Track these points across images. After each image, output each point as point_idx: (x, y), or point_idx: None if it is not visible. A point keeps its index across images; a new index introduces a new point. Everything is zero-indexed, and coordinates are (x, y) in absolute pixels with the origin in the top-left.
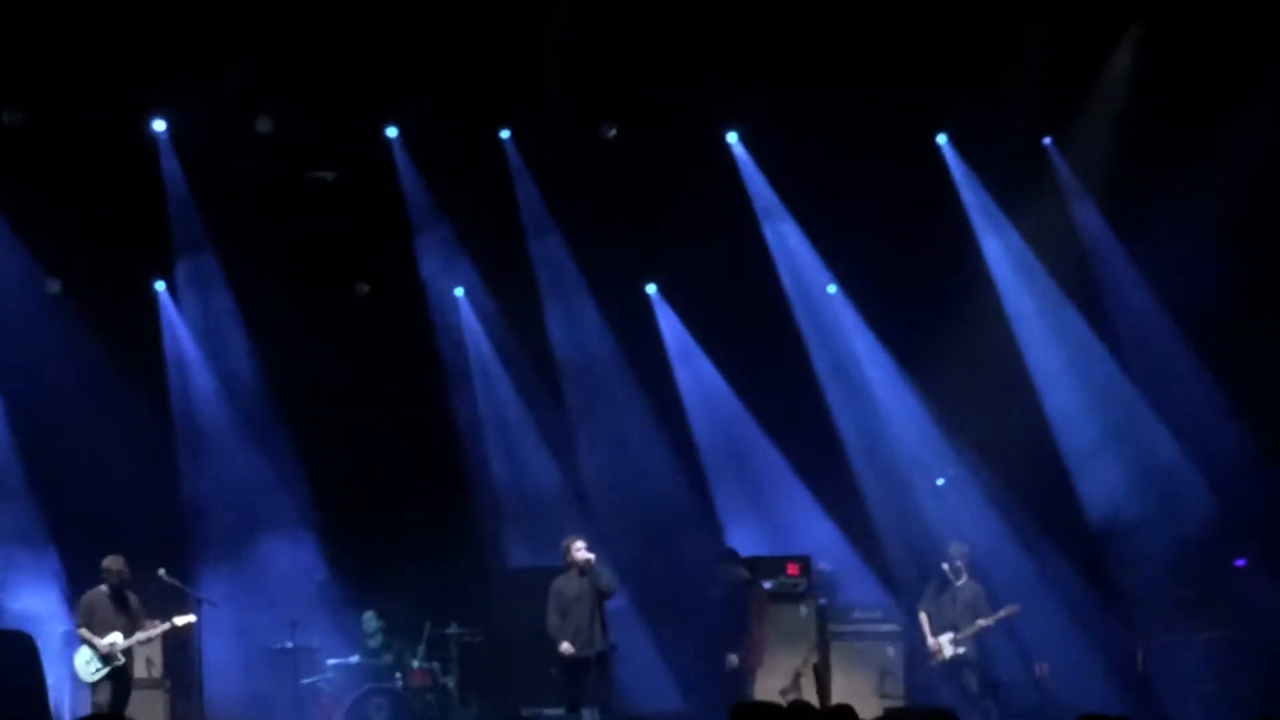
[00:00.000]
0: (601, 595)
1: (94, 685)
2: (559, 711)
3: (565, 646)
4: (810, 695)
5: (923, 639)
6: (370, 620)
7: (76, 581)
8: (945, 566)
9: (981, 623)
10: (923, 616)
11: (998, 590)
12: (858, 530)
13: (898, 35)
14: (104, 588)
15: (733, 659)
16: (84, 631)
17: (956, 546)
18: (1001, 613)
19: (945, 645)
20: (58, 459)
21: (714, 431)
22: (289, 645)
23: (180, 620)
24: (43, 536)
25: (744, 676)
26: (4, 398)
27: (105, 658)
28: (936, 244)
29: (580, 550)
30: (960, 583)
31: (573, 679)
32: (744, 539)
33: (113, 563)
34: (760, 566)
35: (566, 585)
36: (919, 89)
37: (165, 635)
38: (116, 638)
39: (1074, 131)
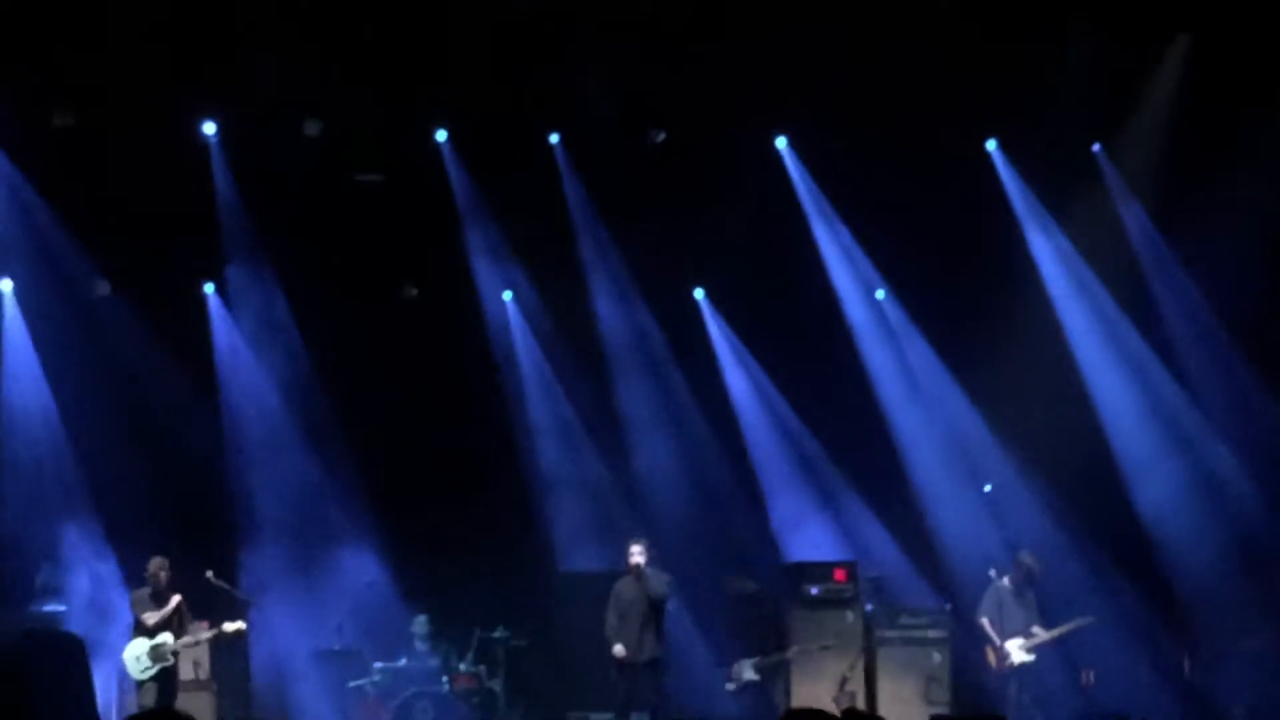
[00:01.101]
0: (652, 601)
1: (140, 685)
2: (606, 715)
3: (618, 649)
4: (857, 702)
5: (990, 645)
6: (422, 624)
7: (130, 582)
8: (997, 575)
9: (1059, 630)
10: (985, 622)
11: (1046, 596)
12: (908, 535)
13: (948, 40)
14: (147, 589)
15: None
16: (148, 615)
17: (1028, 556)
18: (1077, 622)
19: (1016, 652)
20: (108, 461)
21: (764, 435)
22: (336, 647)
23: (230, 627)
24: (97, 538)
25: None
26: (55, 398)
27: (155, 655)
28: (986, 249)
29: (634, 555)
30: (1026, 592)
31: (624, 682)
32: (797, 543)
33: (155, 565)
34: (807, 572)
35: (624, 588)
36: (969, 95)
37: (215, 642)
38: (167, 638)
39: (1123, 137)
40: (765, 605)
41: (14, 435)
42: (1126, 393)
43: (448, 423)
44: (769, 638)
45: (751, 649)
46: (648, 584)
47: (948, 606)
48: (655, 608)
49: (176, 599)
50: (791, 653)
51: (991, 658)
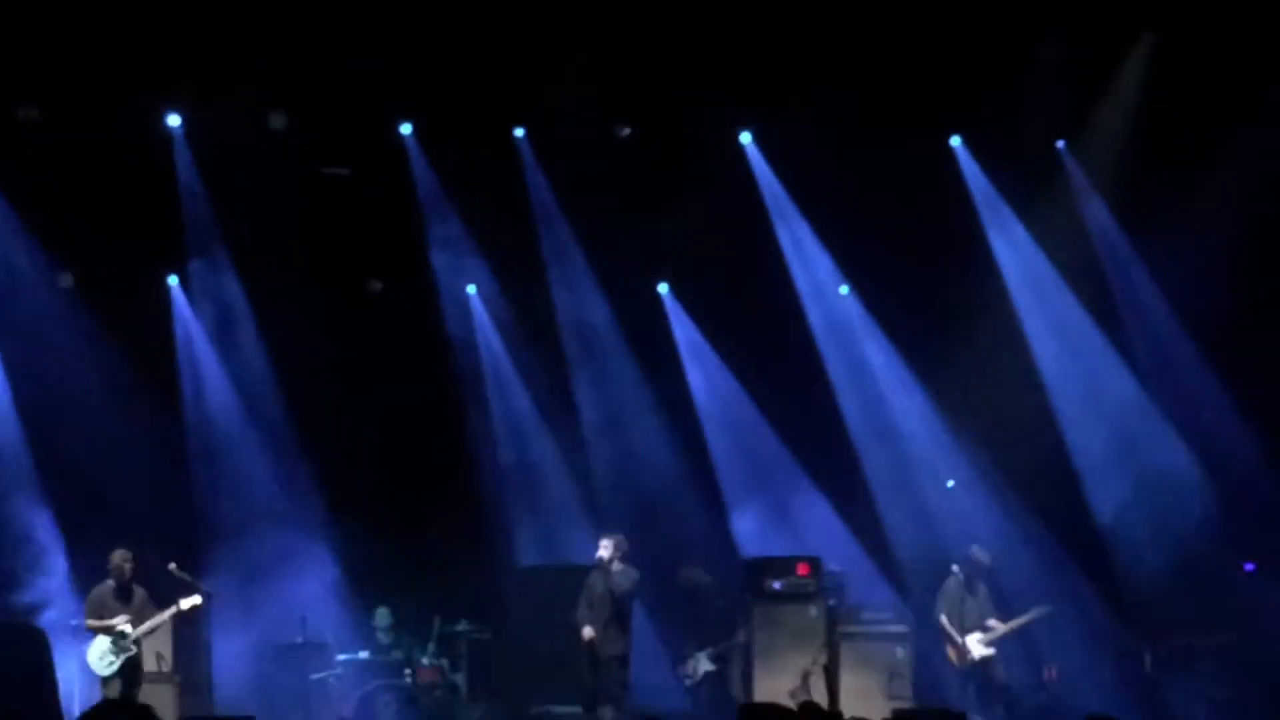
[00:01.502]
0: (615, 596)
1: (106, 679)
2: (567, 709)
3: (587, 631)
4: (819, 696)
5: (948, 641)
6: (384, 615)
7: (85, 577)
8: (958, 570)
9: (1017, 622)
10: (943, 619)
11: (1006, 593)
12: (867, 531)
13: (912, 36)
14: (110, 582)
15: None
16: (92, 622)
17: (980, 551)
18: (1035, 613)
19: (975, 646)
20: (68, 453)
21: (724, 430)
22: (299, 640)
23: (186, 603)
24: (52, 531)
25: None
26: (14, 391)
27: (117, 649)
28: (949, 246)
29: (601, 549)
30: (978, 586)
31: (592, 674)
32: (754, 539)
33: (118, 557)
34: (769, 567)
35: (595, 581)
36: (933, 91)
37: (176, 623)
38: (126, 628)
39: (1087, 135)
40: (719, 599)
41: None
42: (1087, 389)
43: (409, 416)
44: (724, 631)
45: (707, 642)
46: (611, 579)
47: (903, 603)
48: (619, 603)
49: (139, 593)
50: (740, 636)
51: (953, 654)
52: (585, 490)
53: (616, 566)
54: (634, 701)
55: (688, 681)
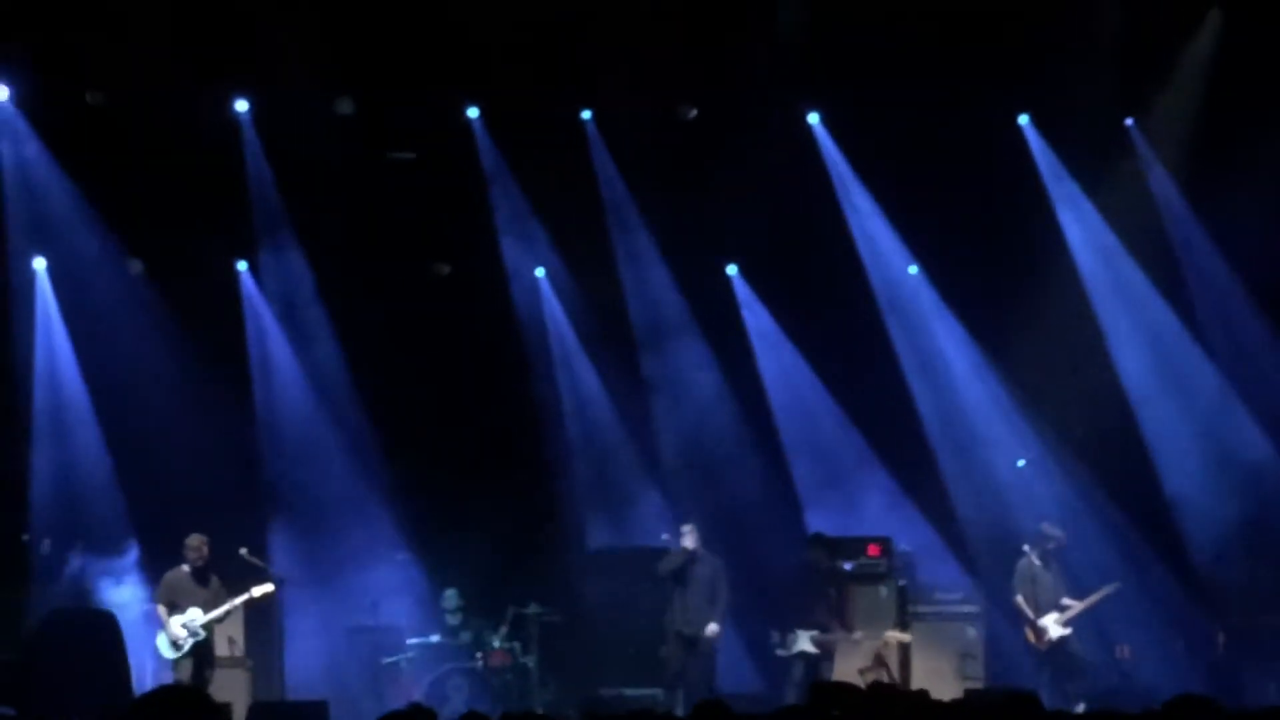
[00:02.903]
0: (708, 580)
1: (176, 662)
2: (639, 692)
3: (712, 628)
4: (890, 676)
5: (1025, 622)
6: (451, 597)
7: (156, 561)
8: (1030, 549)
9: (1092, 599)
10: (1019, 599)
11: (1078, 572)
12: (937, 512)
13: (980, 15)
14: (185, 567)
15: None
16: (161, 609)
17: (1050, 528)
18: (1107, 589)
19: (1052, 626)
20: (139, 439)
21: (794, 412)
22: (370, 624)
23: (258, 591)
24: (124, 517)
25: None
26: (86, 377)
27: (188, 633)
28: (1018, 225)
29: (685, 536)
30: (1051, 564)
31: (677, 658)
32: (823, 520)
33: (195, 541)
34: (842, 547)
35: (680, 568)
36: (1002, 70)
37: (246, 607)
38: (197, 613)
39: (1156, 112)
40: (815, 580)
41: (47, 415)
42: (1158, 368)
43: (479, 400)
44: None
45: (813, 626)
46: (703, 565)
47: (974, 583)
48: (714, 588)
49: (215, 579)
50: (857, 636)
51: (1031, 635)
52: (654, 474)
53: (701, 553)
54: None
55: (781, 651)
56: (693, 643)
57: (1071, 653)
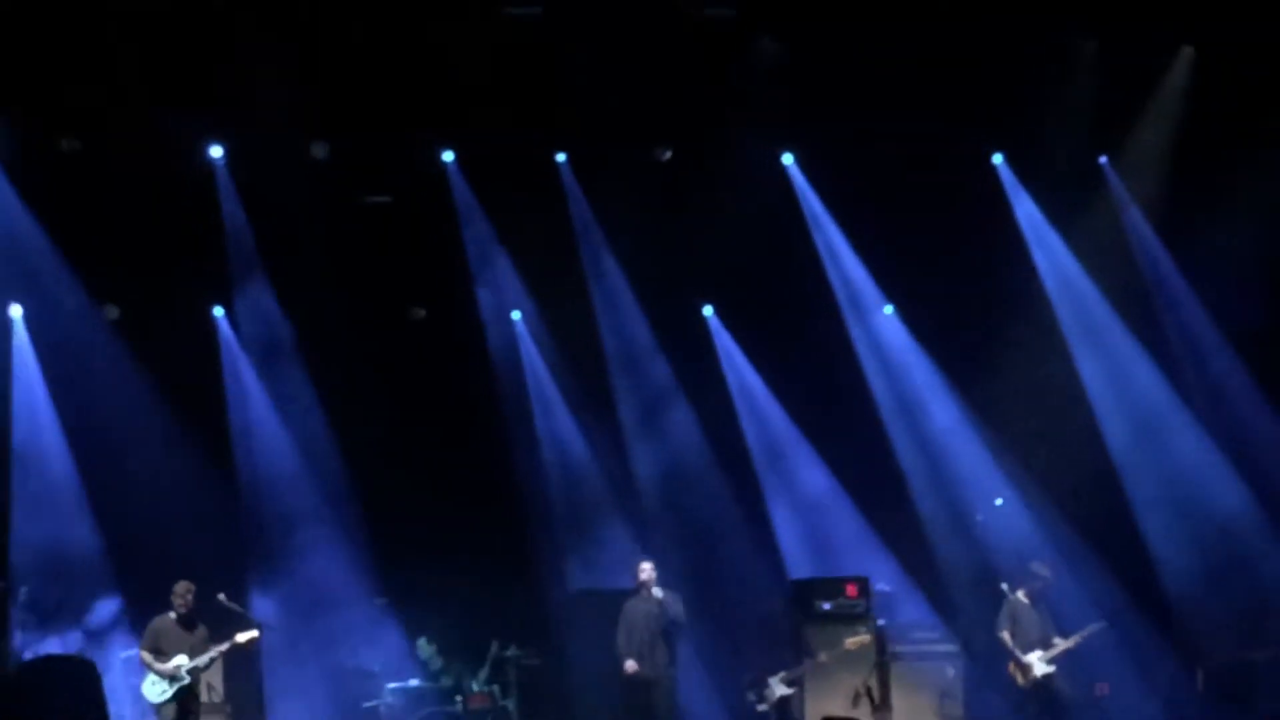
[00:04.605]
0: (670, 621)
1: (159, 706)
2: None
3: (629, 665)
4: (869, 717)
5: (1010, 659)
6: (424, 647)
7: (135, 606)
8: (1011, 589)
9: (1078, 637)
10: (1005, 636)
11: (1055, 611)
12: (913, 553)
13: (954, 55)
14: (171, 614)
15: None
16: (146, 655)
17: (1040, 566)
18: (1093, 628)
19: (1037, 664)
20: (116, 485)
21: (769, 453)
22: (349, 669)
23: (243, 637)
24: (102, 561)
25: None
26: (63, 422)
27: (171, 679)
28: (993, 263)
29: (644, 572)
30: (1039, 604)
31: (639, 703)
32: (799, 561)
33: (181, 588)
34: (818, 588)
35: (634, 606)
36: (976, 108)
37: (228, 654)
38: (182, 659)
39: (1129, 150)
40: (781, 622)
41: (25, 460)
42: (1130, 406)
43: (456, 443)
44: (786, 654)
45: (772, 667)
46: (666, 606)
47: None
48: (670, 626)
49: (201, 626)
50: (821, 658)
51: (1016, 673)
52: (632, 514)
53: (658, 591)
54: None
55: (763, 707)
56: (647, 687)
57: (1056, 690)
